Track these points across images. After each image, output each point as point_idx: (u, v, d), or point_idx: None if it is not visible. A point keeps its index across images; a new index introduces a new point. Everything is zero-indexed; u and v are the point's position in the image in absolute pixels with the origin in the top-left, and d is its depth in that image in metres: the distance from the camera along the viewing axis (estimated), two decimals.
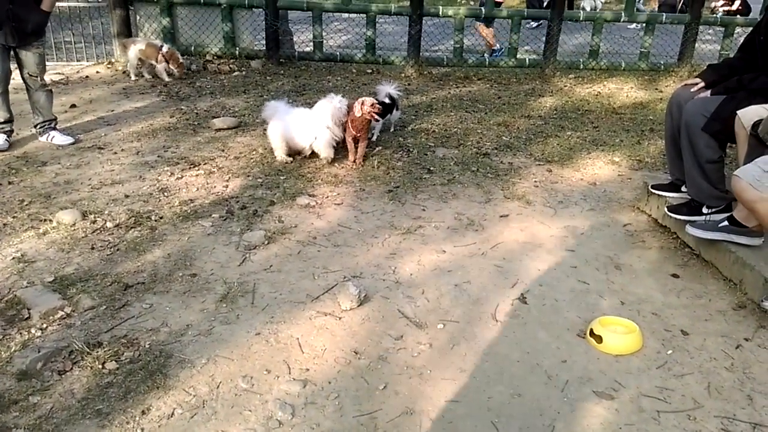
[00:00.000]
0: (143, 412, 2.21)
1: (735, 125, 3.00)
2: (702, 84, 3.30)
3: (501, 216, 3.85)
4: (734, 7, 12.66)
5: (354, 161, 4.54)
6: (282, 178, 4.31)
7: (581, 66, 7.72)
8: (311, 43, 7.78)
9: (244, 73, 7.21)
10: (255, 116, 5.64)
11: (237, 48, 7.62)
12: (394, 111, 5.16)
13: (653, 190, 3.68)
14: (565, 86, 7.15)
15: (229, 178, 4.30)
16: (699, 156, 3.17)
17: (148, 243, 3.39)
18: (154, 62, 6.73)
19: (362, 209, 3.89)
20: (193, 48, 7.58)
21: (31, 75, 4.64)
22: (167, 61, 6.70)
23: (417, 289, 3.04)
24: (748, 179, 2.72)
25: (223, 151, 4.82)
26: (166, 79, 6.77)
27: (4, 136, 4.69)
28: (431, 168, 4.57)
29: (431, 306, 2.91)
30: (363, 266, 3.24)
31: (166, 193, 4.02)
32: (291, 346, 2.60)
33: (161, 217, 3.68)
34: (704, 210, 3.30)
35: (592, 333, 2.67)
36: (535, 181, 4.40)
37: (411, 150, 4.91)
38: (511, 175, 4.48)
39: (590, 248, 3.47)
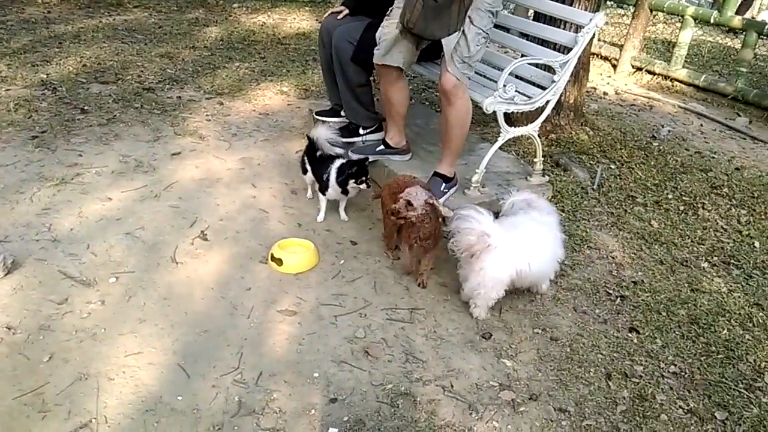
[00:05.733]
0: None
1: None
2: (347, 11, 3.53)
3: (173, 154, 3.64)
4: None
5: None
6: None
7: None
8: None
9: None
10: None
11: None
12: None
13: (317, 117, 3.89)
14: (230, 16, 6.99)
15: None
16: (351, 81, 3.44)
17: None
18: None
19: None
20: None
21: None
22: None
23: (81, 245, 2.70)
24: (455, 73, 2.84)
25: None
26: None
27: None
28: (85, 107, 4.04)
29: (100, 260, 2.63)
30: (7, 228, 2.74)
31: None
32: None
33: None
34: (360, 131, 3.63)
35: (273, 257, 2.77)
36: (207, 115, 4.26)
37: (57, 87, 4.25)
38: (180, 110, 4.25)
39: (267, 178, 3.54)
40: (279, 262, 2.74)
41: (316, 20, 7.34)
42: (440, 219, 2.65)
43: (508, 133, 3.17)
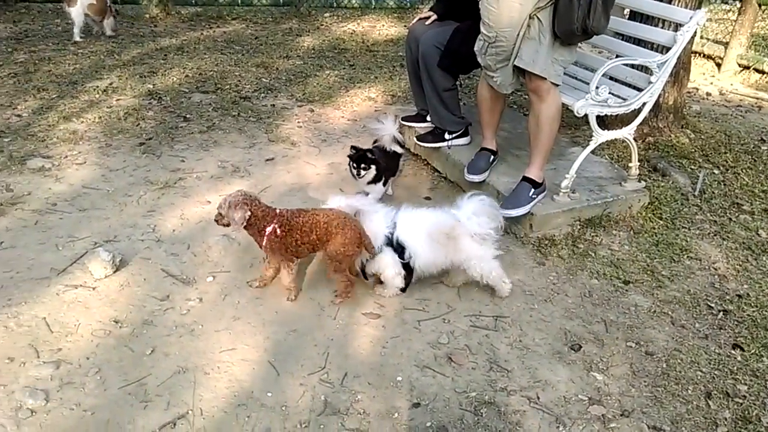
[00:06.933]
0: None
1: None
2: (434, 17, 3.53)
3: (267, 160, 3.80)
4: None
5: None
6: (6, 140, 3.69)
7: (335, 4, 7.82)
8: None
9: None
10: None
11: None
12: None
13: (404, 122, 3.92)
14: (322, 25, 7.20)
15: None
16: (437, 86, 3.44)
17: None
18: (101, 18, 6.03)
19: (110, 167, 3.53)
20: None
21: None
22: (114, 16, 6.15)
23: (182, 245, 2.88)
24: (548, 74, 2.80)
25: None
26: (110, 33, 6.10)
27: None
28: (187, 115, 4.30)
29: (199, 260, 2.79)
30: (117, 228, 2.96)
31: None
32: (37, 327, 2.30)
33: None
34: (446, 136, 3.62)
35: None
36: (299, 122, 4.41)
37: (162, 97, 4.55)
38: (274, 118, 4.42)
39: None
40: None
41: (404, 26, 7.40)
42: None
43: (601, 136, 3.05)
